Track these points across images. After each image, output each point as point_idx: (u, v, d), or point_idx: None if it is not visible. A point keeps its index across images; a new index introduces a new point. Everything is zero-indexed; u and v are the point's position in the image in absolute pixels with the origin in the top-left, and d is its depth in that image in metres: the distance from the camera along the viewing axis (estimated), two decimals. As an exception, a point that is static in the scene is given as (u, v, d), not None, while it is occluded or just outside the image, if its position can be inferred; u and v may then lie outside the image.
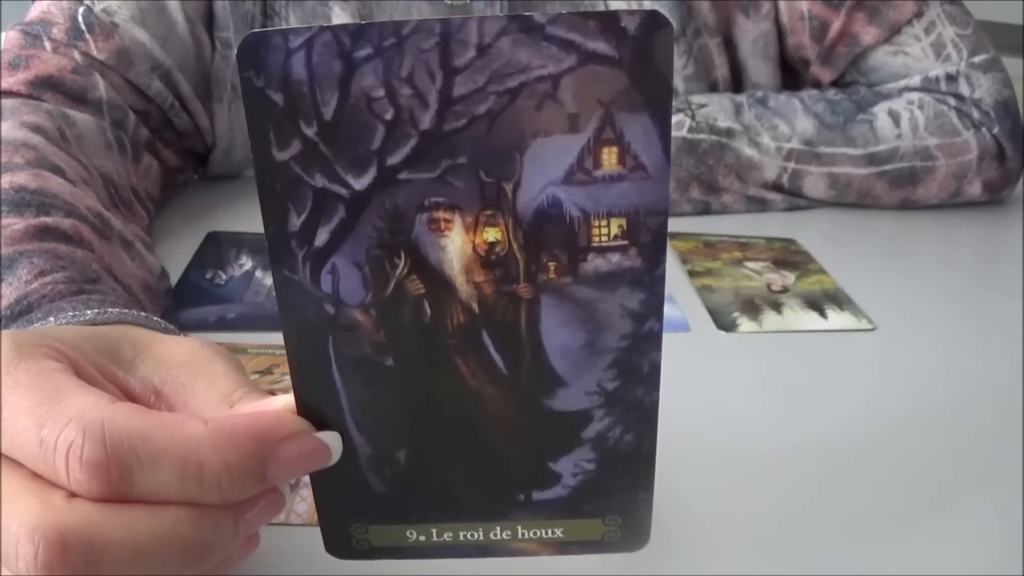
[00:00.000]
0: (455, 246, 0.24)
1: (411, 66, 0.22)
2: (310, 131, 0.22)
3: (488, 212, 0.24)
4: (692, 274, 0.55)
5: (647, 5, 0.63)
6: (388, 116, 0.22)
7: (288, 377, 0.41)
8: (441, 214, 0.24)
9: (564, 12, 0.22)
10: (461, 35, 0.22)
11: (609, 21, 0.22)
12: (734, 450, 0.38)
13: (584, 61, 0.22)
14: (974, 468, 0.38)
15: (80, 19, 0.54)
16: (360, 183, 0.23)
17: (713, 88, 0.68)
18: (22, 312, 0.34)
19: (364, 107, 0.22)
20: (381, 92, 0.22)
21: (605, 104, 0.23)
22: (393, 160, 0.23)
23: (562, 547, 0.29)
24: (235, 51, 0.67)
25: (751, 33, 0.67)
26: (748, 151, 0.62)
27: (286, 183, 0.23)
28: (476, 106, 0.22)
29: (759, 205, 0.65)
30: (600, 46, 0.22)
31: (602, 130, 0.23)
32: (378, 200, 0.23)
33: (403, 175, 0.23)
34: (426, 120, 0.22)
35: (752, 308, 0.51)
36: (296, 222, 0.24)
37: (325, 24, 0.59)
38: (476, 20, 0.21)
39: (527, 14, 0.21)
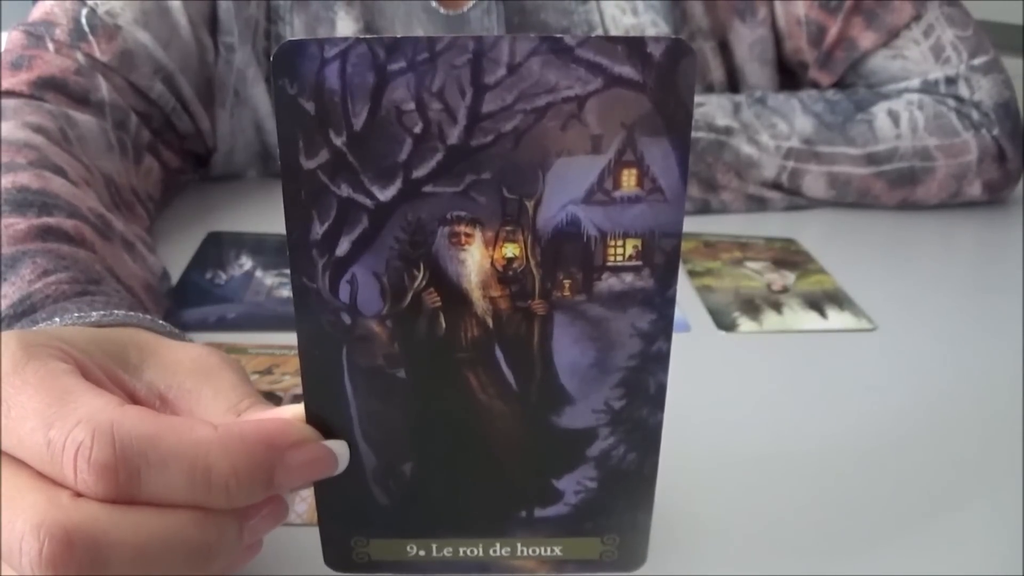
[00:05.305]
0: (474, 260, 0.24)
1: (442, 81, 0.22)
2: (339, 140, 0.23)
3: (508, 228, 0.24)
4: (692, 274, 0.55)
5: (640, 8, 0.64)
6: (417, 129, 0.23)
7: (288, 376, 0.41)
8: (462, 228, 0.24)
9: (593, 36, 0.22)
10: (493, 53, 0.22)
11: (636, 46, 0.22)
12: (734, 449, 0.39)
13: (610, 84, 0.23)
14: (974, 468, 0.38)
15: (83, 20, 0.54)
16: (385, 194, 0.23)
17: (708, 92, 0.68)
18: (25, 312, 0.33)
19: (394, 119, 0.23)
20: (411, 105, 0.22)
21: (627, 127, 0.23)
22: (419, 173, 0.23)
23: (560, 565, 0.29)
24: (238, 55, 0.67)
25: (748, 38, 0.67)
26: (747, 149, 0.63)
27: (311, 191, 0.23)
28: (503, 123, 0.23)
29: (758, 204, 0.65)
30: (626, 70, 0.22)
31: (623, 152, 0.23)
32: (401, 212, 0.24)
33: (428, 188, 0.23)
34: (454, 135, 0.23)
35: (752, 308, 0.51)
36: (319, 230, 0.24)
37: (333, 27, 0.60)
38: (508, 39, 0.22)
39: (558, 36, 0.22)
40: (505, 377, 0.26)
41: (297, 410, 0.26)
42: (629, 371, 0.26)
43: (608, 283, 0.25)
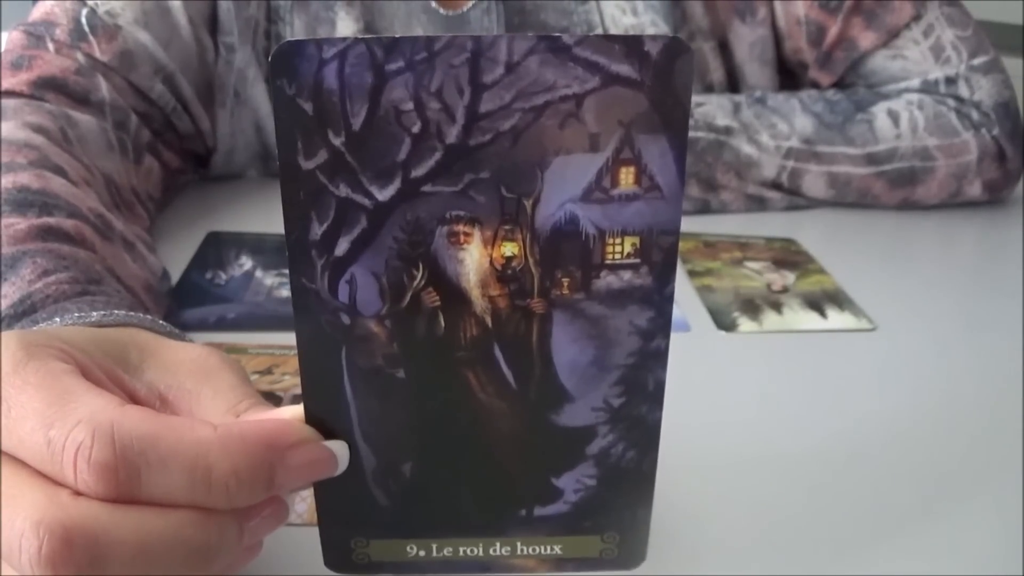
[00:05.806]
0: (473, 259, 0.24)
1: (441, 81, 0.22)
2: (337, 141, 0.23)
3: (507, 227, 0.24)
4: (692, 274, 0.55)
5: (640, 8, 0.64)
6: (415, 129, 0.23)
7: (288, 376, 0.41)
8: (461, 227, 0.24)
9: (591, 35, 0.22)
10: (491, 53, 0.22)
11: (633, 45, 0.22)
12: (733, 449, 0.39)
13: (607, 83, 0.23)
14: (974, 468, 0.38)
15: (83, 20, 0.54)
16: (384, 194, 0.23)
17: (708, 92, 0.68)
18: (26, 312, 0.34)
19: (392, 119, 0.23)
20: (410, 105, 0.22)
21: (625, 125, 0.23)
22: (417, 172, 0.23)
23: (560, 564, 0.29)
24: (239, 55, 0.67)
25: (748, 38, 0.68)
26: (747, 149, 0.63)
27: (310, 192, 0.23)
28: (501, 122, 0.23)
29: (758, 204, 0.65)
30: (623, 69, 0.22)
31: (621, 150, 0.23)
32: (400, 212, 0.24)
33: (426, 187, 0.23)
34: (452, 134, 0.23)
35: (752, 308, 0.51)
36: (318, 231, 0.24)
37: (333, 27, 0.60)
38: (507, 39, 0.22)
39: (556, 35, 0.22)
40: (504, 376, 0.26)
41: (297, 410, 0.26)
42: (628, 369, 0.26)
43: (606, 281, 0.25)
